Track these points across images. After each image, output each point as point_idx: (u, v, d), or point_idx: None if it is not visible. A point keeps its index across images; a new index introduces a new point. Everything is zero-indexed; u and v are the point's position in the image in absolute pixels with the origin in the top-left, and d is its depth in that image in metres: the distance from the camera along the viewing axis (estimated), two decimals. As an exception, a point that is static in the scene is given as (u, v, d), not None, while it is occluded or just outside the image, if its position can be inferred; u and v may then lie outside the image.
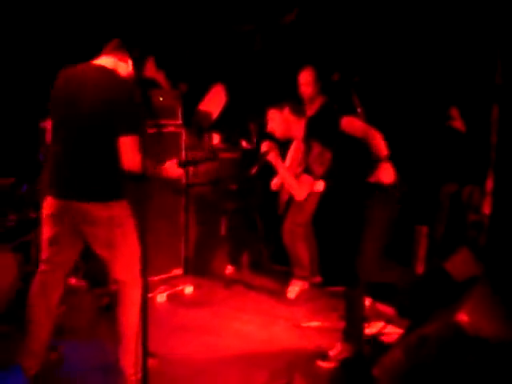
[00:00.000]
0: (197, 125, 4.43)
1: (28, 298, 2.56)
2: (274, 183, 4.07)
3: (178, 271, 4.32)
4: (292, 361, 2.95)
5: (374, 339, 3.14)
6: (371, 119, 2.94)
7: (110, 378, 2.65)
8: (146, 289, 2.11)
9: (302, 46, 4.39)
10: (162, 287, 4.00)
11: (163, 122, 3.93)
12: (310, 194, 3.85)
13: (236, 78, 4.66)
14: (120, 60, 2.54)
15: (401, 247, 3.60)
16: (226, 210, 4.52)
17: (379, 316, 3.42)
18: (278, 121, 3.14)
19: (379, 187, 2.78)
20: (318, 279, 4.15)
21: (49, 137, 2.67)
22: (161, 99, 4.05)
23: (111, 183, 2.49)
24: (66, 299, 2.90)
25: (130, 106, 2.42)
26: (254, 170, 3.46)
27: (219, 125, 4.65)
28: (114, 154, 2.41)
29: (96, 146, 2.43)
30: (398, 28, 3.76)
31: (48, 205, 2.53)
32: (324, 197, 3.90)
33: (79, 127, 2.43)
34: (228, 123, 4.74)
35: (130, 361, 2.53)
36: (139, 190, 2.18)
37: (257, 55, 4.84)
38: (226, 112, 4.57)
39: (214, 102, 4.52)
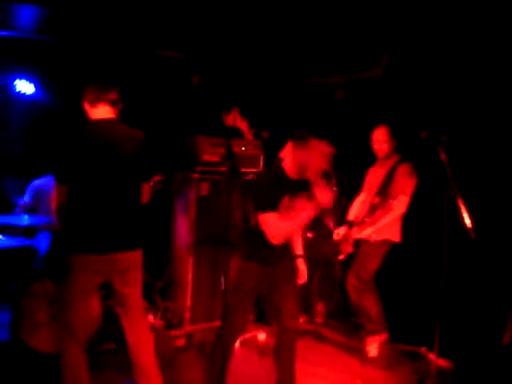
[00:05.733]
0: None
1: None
2: (337, 233, 4.07)
3: (250, 317, 4.32)
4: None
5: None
6: (459, 180, 2.87)
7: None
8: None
9: (387, 102, 4.39)
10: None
11: (245, 170, 4.05)
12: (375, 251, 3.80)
13: (317, 128, 4.73)
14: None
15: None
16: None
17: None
18: None
19: None
20: (384, 336, 3.99)
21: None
22: (243, 149, 4.21)
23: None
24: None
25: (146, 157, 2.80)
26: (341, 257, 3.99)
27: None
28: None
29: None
30: (489, 88, 3.66)
31: (83, 262, 2.63)
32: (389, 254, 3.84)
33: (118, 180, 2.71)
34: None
35: None
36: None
37: (339, 107, 4.90)
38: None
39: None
